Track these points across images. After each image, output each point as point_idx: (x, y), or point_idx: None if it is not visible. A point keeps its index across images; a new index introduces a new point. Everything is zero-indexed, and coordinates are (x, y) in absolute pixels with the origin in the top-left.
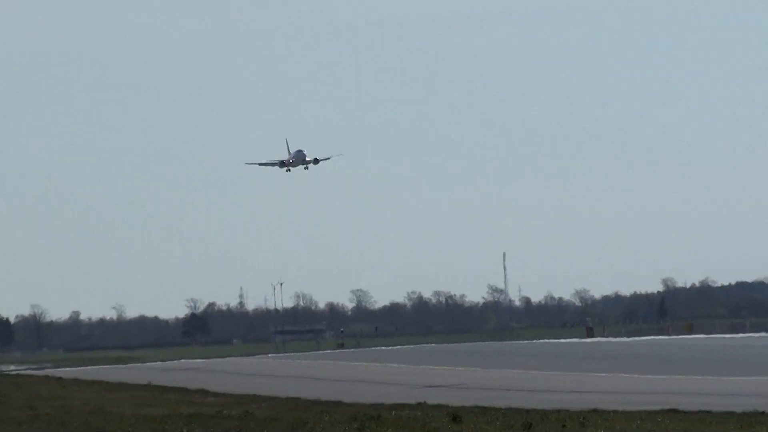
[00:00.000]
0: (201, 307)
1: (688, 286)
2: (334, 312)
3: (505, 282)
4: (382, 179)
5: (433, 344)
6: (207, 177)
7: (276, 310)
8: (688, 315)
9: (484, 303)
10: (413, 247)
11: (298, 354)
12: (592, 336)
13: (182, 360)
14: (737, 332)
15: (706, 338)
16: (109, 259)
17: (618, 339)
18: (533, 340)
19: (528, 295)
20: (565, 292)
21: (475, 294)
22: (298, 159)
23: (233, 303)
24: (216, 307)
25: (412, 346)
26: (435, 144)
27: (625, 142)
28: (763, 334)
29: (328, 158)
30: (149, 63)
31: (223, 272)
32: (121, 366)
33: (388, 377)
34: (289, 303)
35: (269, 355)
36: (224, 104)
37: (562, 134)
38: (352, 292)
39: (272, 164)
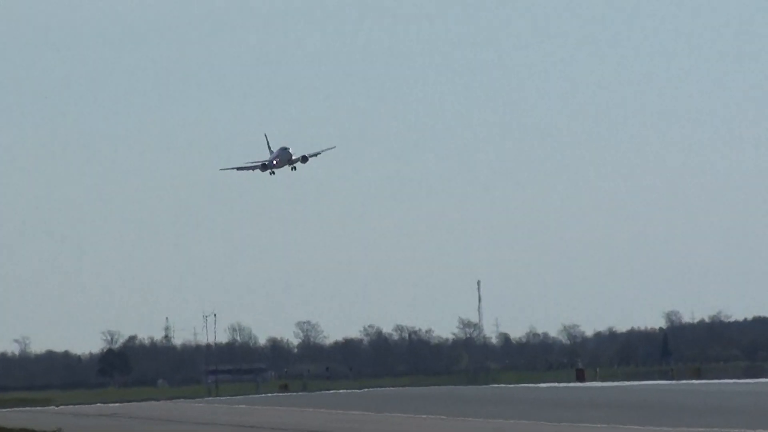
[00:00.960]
0: (120, 341)
1: (695, 321)
2: (276, 349)
3: (479, 315)
4: (337, 192)
5: (394, 387)
6: (126, 186)
7: (208, 345)
8: (696, 356)
9: (454, 340)
10: (371, 274)
11: (235, 398)
12: (582, 380)
13: (97, 404)
14: (753, 377)
15: (717, 383)
16: (11, 285)
17: (613, 383)
18: (513, 383)
19: (507, 330)
20: (551, 327)
21: (443, 329)
22: (284, 158)
23: (157, 337)
24: (137, 341)
25: (369, 390)
26: (399, 156)
27: (622, 154)
28: None
29: (318, 153)
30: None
31: (146, 300)
32: (24, 409)
33: (341, 426)
34: (223, 338)
35: (200, 399)
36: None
37: (550, 147)
38: (298, 325)
39: (252, 167)
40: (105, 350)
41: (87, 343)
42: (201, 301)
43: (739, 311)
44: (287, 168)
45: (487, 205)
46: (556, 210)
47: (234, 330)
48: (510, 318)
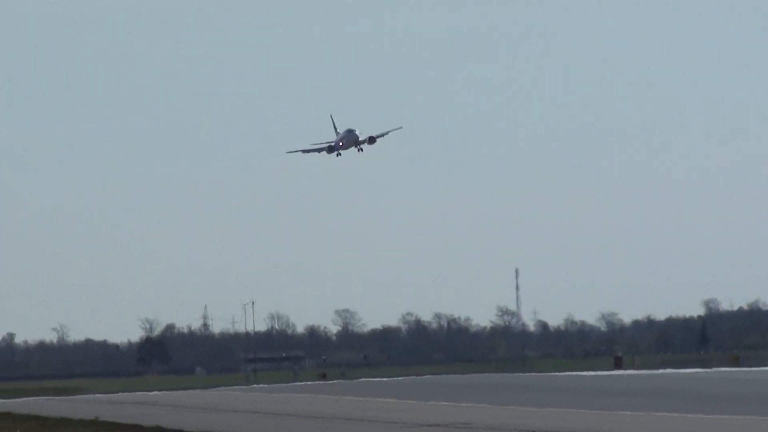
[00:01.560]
0: (158, 330)
1: (734, 309)
2: (314, 337)
3: (517, 303)
4: (375, 181)
5: (432, 375)
6: (167, 176)
7: (246, 333)
8: (734, 344)
9: (492, 327)
10: (410, 261)
11: (272, 386)
12: (620, 367)
13: (136, 392)
14: None
15: (756, 371)
16: (50, 273)
17: (651, 371)
18: (551, 371)
19: (544, 318)
20: (589, 315)
21: (482, 317)
22: (350, 140)
23: (196, 325)
24: (176, 330)
25: (407, 378)
26: (436, 146)
27: (657, 143)
28: None
29: (385, 134)
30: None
31: (185, 288)
32: (63, 398)
33: (379, 414)
34: (261, 326)
35: (238, 387)
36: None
37: (587, 137)
38: (337, 313)
39: (318, 149)
40: (143, 339)
41: (125, 332)
42: (239, 289)
43: None
44: (354, 150)
45: (525, 194)
46: (593, 199)
47: (272, 318)
48: (548, 306)
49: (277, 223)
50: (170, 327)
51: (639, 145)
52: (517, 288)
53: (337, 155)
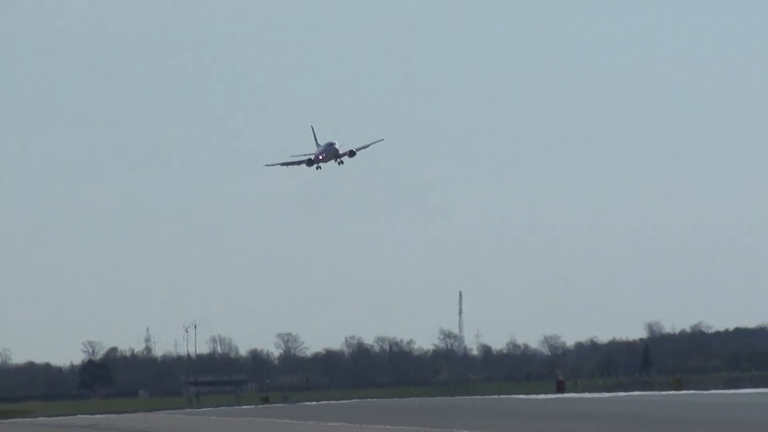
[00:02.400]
0: (101, 353)
1: (676, 332)
2: (257, 360)
3: (460, 326)
4: (318, 203)
5: (375, 399)
6: (107, 198)
7: (189, 356)
8: (677, 367)
9: (435, 351)
10: (352, 284)
11: (215, 410)
12: (563, 391)
13: (79, 415)
14: (734, 388)
15: (698, 394)
16: None
17: (594, 395)
18: (493, 395)
19: (487, 342)
20: (532, 338)
21: (425, 340)
22: (330, 153)
23: (138, 348)
24: (118, 353)
25: (350, 401)
26: (383, 168)
27: (600, 165)
28: (765, 390)
29: (366, 147)
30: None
31: (127, 311)
32: (5, 421)
33: None
34: (204, 349)
35: (181, 411)
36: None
37: (530, 159)
38: (279, 336)
39: (297, 163)
40: (86, 362)
41: (68, 355)
42: (182, 312)
43: (720, 322)
44: (333, 163)
45: (469, 216)
46: (536, 221)
47: (215, 341)
48: (491, 329)
49: (219, 245)
50: (113, 350)
51: (579, 168)
52: (460, 311)
53: (317, 168)
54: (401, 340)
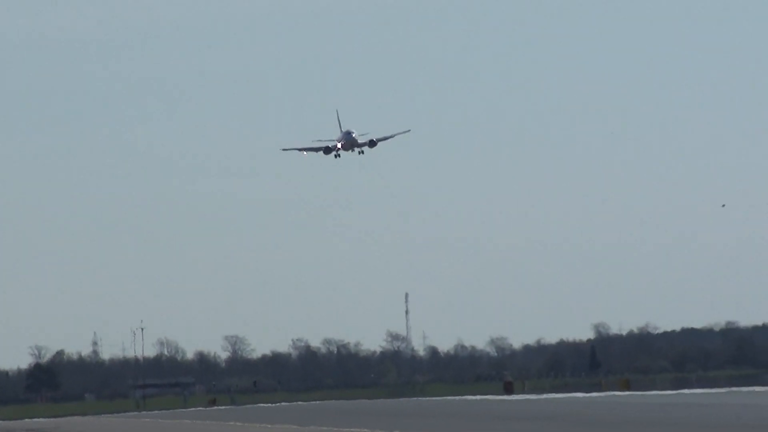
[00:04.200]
0: (47, 356)
1: (624, 333)
2: (204, 362)
3: (407, 328)
4: (262, 206)
5: (322, 401)
6: (52, 199)
7: (136, 359)
8: (624, 368)
9: (382, 352)
10: (299, 286)
11: (162, 412)
12: (510, 392)
13: (25, 419)
14: (681, 388)
15: (645, 395)
16: None
17: (541, 396)
18: (441, 396)
19: (434, 343)
20: (479, 340)
21: (371, 342)
22: (348, 142)
23: (85, 351)
24: (65, 356)
25: (297, 404)
26: (327, 169)
27: (547, 165)
28: (711, 390)
29: (389, 137)
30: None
31: (74, 315)
32: None
33: None
34: (151, 352)
35: (128, 414)
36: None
37: (477, 158)
38: (226, 338)
39: (315, 149)
40: (32, 366)
41: (14, 359)
42: (128, 315)
43: (667, 322)
44: (354, 152)
45: (415, 217)
46: (482, 222)
47: (162, 344)
48: (438, 331)
49: (165, 248)
50: (59, 353)
51: (524, 169)
52: (407, 313)
53: (336, 156)
54: (348, 342)
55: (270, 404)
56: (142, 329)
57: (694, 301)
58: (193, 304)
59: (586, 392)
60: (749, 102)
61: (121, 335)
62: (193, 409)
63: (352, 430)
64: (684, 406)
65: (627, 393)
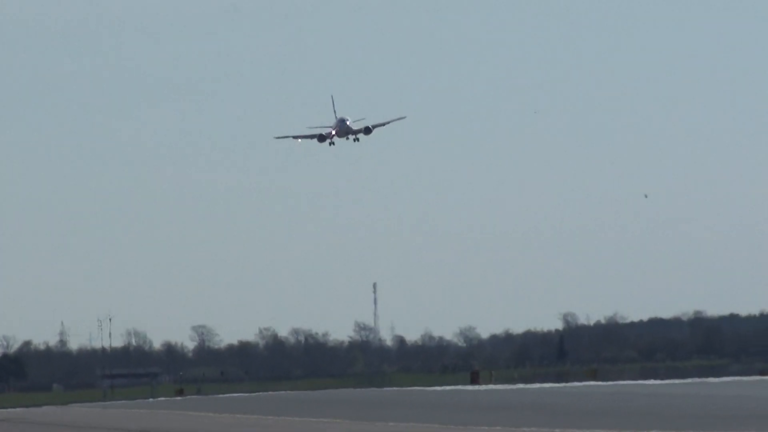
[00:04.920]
0: (14, 347)
1: (591, 323)
2: (171, 352)
3: (375, 318)
4: (232, 197)
5: (290, 391)
6: (17, 190)
7: (103, 349)
8: (592, 358)
9: (350, 343)
10: (266, 276)
11: (130, 402)
12: (477, 382)
13: None
14: (649, 378)
15: (612, 385)
16: None
17: (509, 386)
18: (408, 386)
19: (402, 333)
20: (446, 330)
21: (339, 332)
22: (342, 129)
23: (53, 341)
24: (32, 347)
25: (265, 393)
26: (293, 161)
27: (516, 154)
28: (679, 380)
29: (384, 124)
30: None
31: (41, 305)
32: None
33: (236, 431)
34: (118, 342)
35: (96, 404)
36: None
37: (444, 148)
38: (193, 329)
39: (309, 137)
40: (0, 356)
41: None
42: (96, 305)
43: (634, 313)
44: (349, 140)
45: (383, 207)
46: (450, 212)
47: (129, 334)
48: (405, 321)
49: (132, 238)
50: (27, 344)
51: (493, 160)
52: (375, 303)
53: (330, 144)
54: (316, 332)
55: (237, 394)
56: (110, 319)
57: (662, 292)
58: (160, 295)
59: (554, 382)
60: (715, 98)
61: (89, 325)
62: (161, 399)
63: (319, 419)
64: (651, 396)
65: (594, 383)
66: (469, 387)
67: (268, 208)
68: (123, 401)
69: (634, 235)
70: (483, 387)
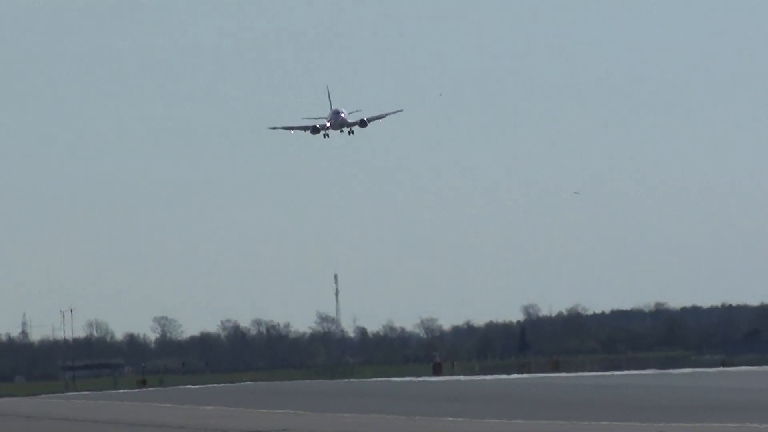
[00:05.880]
0: None
1: (553, 314)
2: (133, 344)
3: (337, 309)
4: (190, 187)
5: (251, 382)
6: None
7: (65, 341)
8: (554, 349)
9: (312, 334)
10: (228, 267)
11: (92, 393)
12: (439, 373)
13: None
14: (610, 369)
15: (574, 376)
16: None
17: (470, 377)
18: (370, 377)
19: (364, 324)
20: (408, 321)
21: (301, 323)
22: (336, 121)
23: (15, 333)
24: None
25: (226, 385)
26: (252, 153)
27: (479, 149)
28: (641, 371)
29: (381, 117)
30: None
31: (3, 296)
32: None
33: (199, 422)
34: (80, 333)
35: (58, 395)
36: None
37: (406, 141)
38: (155, 320)
39: (303, 128)
40: None
41: None
42: (58, 296)
43: (596, 304)
44: (344, 132)
45: (344, 198)
46: (412, 204)
47: (91, 325)
48: (367, 312)
49: (94, 229)
50: None
51: (454, 151)
52: (337, 294)
53: (325, 137)
54: (278, 323)
55: (199, 385)
56: (72, 311)
57: (624, 283)
58: (122, 286)
59: (516, 373)
60: (677, 91)
61: (51, 317)
62: (123, 390)
63: (280, 411)
64: (613, 388)
65: (556, 374)
66: (431, 378)
67: (231, 198)
68: (85, 392)
69: (596, 227)
70: (445, 378)
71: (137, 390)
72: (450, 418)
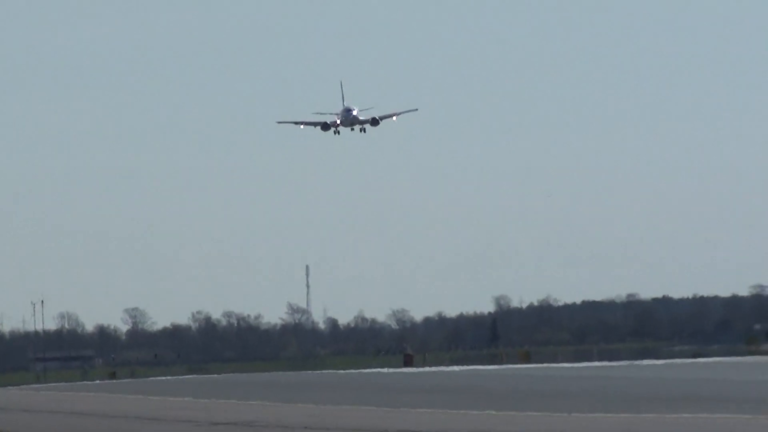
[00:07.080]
0: None
1: (524, 306)
2: (104, 335)
3: (307, 301)
4: (162, 177)
5: (222, 374)
6: None
7: (36, 333)
8: (525, 340)
9: (282, 325)
10: (199, 259)
11: (62, 384)
12: (410, 365)
13: None
14: (582, 360)
15: (545, 367)
16: None
17: (441, 368)
18: (341, 369)
19: (335, 316)
20: (379, 312)
21: (272, 315)
22: (347, 119)
23: None
24: None
25: (197, 376)
26: (226, 144)
27: (448, 142)
28: (612, 362)
29: (393, 115)
30: None
31: None
32: None
33: (169, 413)
34: (51, 325)
35: (27, 387)
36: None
37: (377, 133)
38: (126, 311)
39: (313, 124)
40: None
41: None
42: (28, 288)
43: (567, 295)
44: (355, 130)
45: (315, 189)
46: (383, 194)
47: (62, 317)
48: (338, 303)
49: (65, 220)
50: None
51: (424, 139)
52: (308, 285)
53: (336, 133)
54: (248, 315)
55: (170, 377)
56: (42, 302)
57: (595, 274)
58: (93, 277)
59: (487, 365)
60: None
61: (21, 308)
62: (93, 382)
63: (251, 402)
64: (584, 379)
65: (527, 365)
66: (402, 369)
67: (200, 190)
68: (56, 384)
69: (566, 218)
70: (416, 369)
71: (108, 381)
72: (421, 410)
